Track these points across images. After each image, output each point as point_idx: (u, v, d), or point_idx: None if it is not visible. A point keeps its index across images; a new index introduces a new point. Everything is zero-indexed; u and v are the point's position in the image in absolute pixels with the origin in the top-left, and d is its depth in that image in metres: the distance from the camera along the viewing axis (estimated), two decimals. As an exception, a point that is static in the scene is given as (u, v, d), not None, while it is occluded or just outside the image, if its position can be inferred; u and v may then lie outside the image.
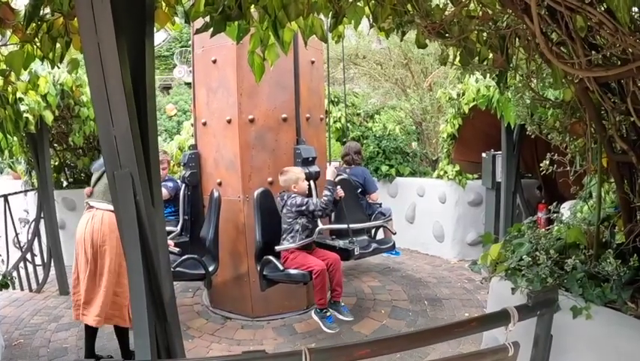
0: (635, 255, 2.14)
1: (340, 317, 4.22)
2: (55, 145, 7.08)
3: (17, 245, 6.18)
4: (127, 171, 1.80)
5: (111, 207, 3.51)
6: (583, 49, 1.80)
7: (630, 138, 2.16)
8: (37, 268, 6.07)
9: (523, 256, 2.36)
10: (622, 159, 2.22)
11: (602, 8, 1.68)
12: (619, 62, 1.88)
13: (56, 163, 7.22)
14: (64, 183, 7.40)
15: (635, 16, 1.88)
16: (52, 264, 5.96)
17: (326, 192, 4.23)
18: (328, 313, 4.20)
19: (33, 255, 6.06)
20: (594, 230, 2.35)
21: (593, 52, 1.92)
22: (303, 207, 4.20)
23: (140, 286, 1.86)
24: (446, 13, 2.26)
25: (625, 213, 2.32)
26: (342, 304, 4.29)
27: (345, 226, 4.71)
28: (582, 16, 1.74)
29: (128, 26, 1.76)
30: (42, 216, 6.00)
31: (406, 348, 1.89)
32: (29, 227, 6.28)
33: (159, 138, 2.09)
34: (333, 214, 5.42)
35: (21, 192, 7.07)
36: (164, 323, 2.03)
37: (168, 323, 2.04)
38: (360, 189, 6.00)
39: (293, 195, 4.26)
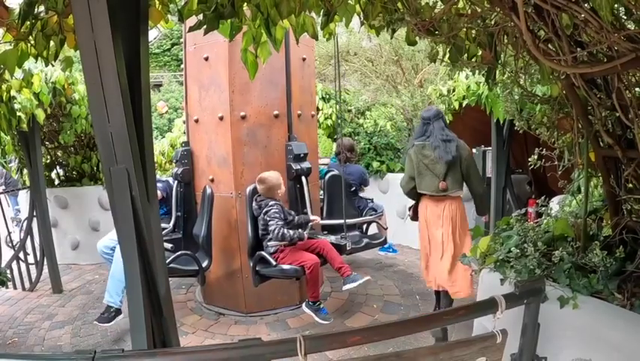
0: (622, 247, 2.19)
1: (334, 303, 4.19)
2: (47, 143, 7.04)
3: (10, 244, 6.16)
4: (123, 167, 1.83)
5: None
6: (569, 46, 1.84)
7: (616, 133, 2.20)
8: (30, 266, 6.06)
9: (512, 248, 2.40)
10: (608, 153, 2.26)
11: (588, 6, 1.72)
12: (604, 59, 1.92)
13: (48, 161, 7.19)
14: (56, 182, 7.37)
15: (621, 14, 1.92)
16: (45, 262, 5.95)
17: (298, 231, 4.31)
18: (322, 306, 4.24)
19: (26, 253, 6.05)
20: (582, 223, 2.40)
21: (579, 49, 1.96)
22: (269, 222, 4.25)
23: (137, 280, 1.89)
24: (436, 11, 2.29)
25: (611, 207, 2.36)
26: (353, 273, 4.31)
27: (336, 221, 4.75)
28: (568, 14, 1.78)
29: (123, 23, 1.78)
30: (34, 214, 5.99)
31: (397, 335, 1.92)
32: (22, 225, 6.26)
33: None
34: (325, 210, 5.47)
35: (9, 190, 7.04)
36: (160, 317, 2.05)
37: (164, 317, 2.06)
38: (353, 188, 6.02)
39: (271, 204, 4.31)
